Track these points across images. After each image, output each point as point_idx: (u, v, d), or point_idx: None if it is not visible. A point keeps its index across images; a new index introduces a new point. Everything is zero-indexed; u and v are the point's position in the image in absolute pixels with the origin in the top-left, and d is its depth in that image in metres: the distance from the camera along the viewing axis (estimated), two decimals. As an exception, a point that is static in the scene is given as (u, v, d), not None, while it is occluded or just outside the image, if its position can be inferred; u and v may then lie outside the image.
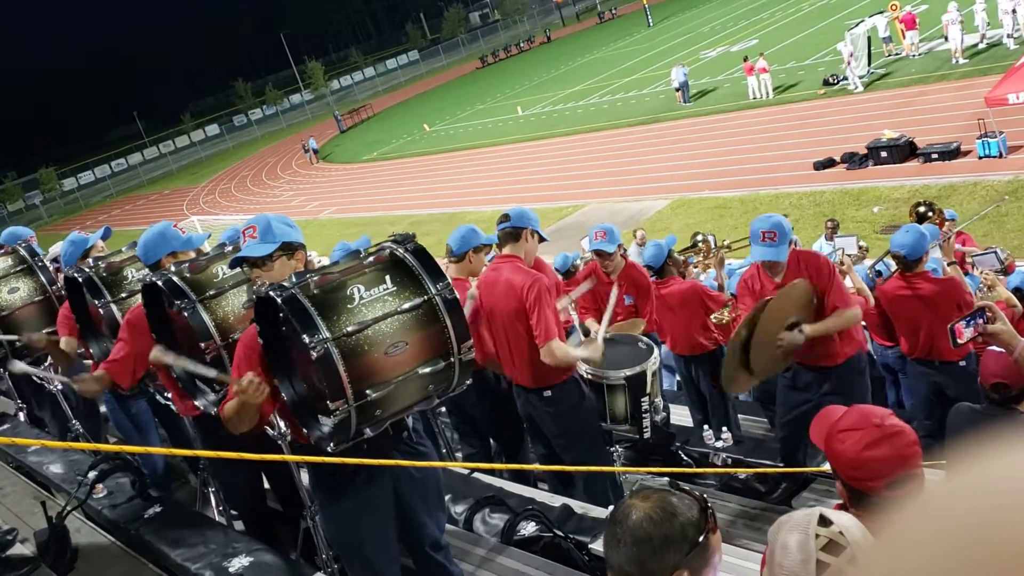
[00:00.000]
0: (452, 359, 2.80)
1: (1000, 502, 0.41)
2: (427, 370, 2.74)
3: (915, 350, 5.18)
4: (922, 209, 7.47)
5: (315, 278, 2.66)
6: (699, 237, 9.15)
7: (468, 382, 2.95)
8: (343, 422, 2.60)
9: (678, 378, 7.39)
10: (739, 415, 6.25)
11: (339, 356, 2.54)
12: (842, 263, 5.83)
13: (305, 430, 2.82)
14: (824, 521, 1.58)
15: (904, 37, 21.27)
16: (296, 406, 2.86)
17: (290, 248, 3.00)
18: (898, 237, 4.97)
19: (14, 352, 4.81)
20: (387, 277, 2.75)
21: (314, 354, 2.50)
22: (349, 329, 2.57)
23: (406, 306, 2.71)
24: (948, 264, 5.29)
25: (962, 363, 5.01)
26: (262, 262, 2.94)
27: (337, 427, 2.62)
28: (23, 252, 4.99)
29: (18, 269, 4.90)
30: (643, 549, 1.55)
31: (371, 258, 2.83)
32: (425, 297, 2.75)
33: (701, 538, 1.57)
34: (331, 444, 2.70)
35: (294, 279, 2.65)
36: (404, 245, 2.87)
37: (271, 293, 2.61)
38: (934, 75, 19.32)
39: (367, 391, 2.59)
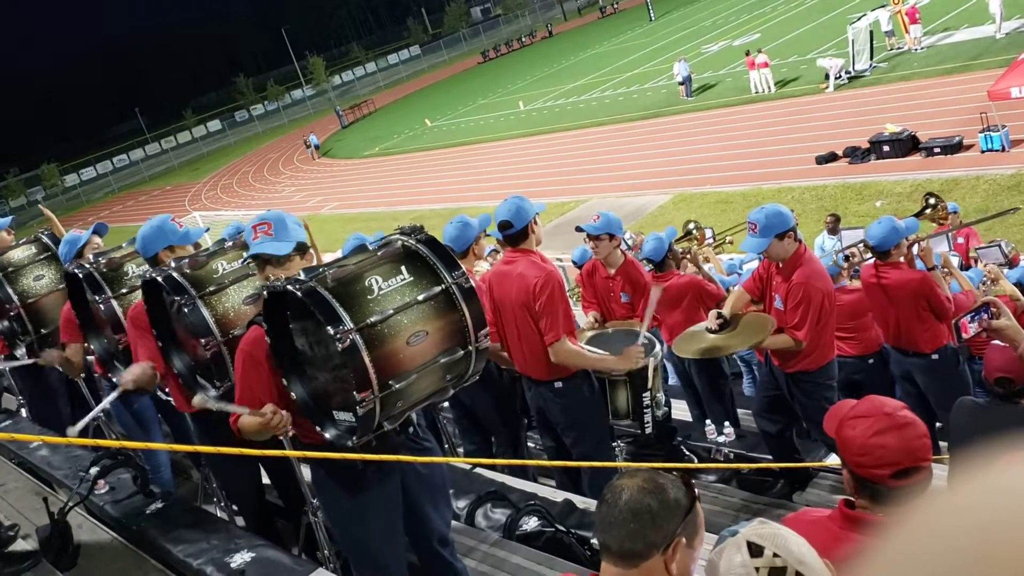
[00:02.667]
0: (469, 347, 2.81)
1: (1003, 518, 0.41)
2: (446, 359, 2.75)
3: (888, 337, 5.28)
4: (932, 200, 7.39)
5: (330, 271, 2.64)
6: (691, 225, 9.13)
7: (480, 371, 2.94)
8: (368, 414, 2.57)
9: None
10: (740, 409, 6.24)
11: (364, 346, 2.52)
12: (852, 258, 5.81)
13: (319, 429, 2.77)
14: (755, 550, 1.54)
15: (907, 30, 21.21)
16: (308, 406, 2.82)
17: (302, 249, 3.00)
18: (871, 228, 5.05)
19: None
20: (403, 268, 2.75)
21: (340, 345, 2.48)
22: (372, 319, 2.56)
23: (424, 296, 2.71)
24: (929, 269, 5.09)
25: (934, 356, 5.02)
26: (279, 260, 2.92)
27: (360, 420, 2.59)
28: (46, 240, 5.00)
29: (42, 257, 4.92)
30: (643, 521, 1.58)
31: (382, 251, 2.81)
32: (442, 286, 2.75)
33: (691, 506, 1.63)
34: (351, 440, 2.67)
35: (304, 274, 2.63)
36: (414, 236, 2.86)
37: (288, 287, 2.58)
38: (936, 69, 19.28)
39: (391, 382, 2.58)
